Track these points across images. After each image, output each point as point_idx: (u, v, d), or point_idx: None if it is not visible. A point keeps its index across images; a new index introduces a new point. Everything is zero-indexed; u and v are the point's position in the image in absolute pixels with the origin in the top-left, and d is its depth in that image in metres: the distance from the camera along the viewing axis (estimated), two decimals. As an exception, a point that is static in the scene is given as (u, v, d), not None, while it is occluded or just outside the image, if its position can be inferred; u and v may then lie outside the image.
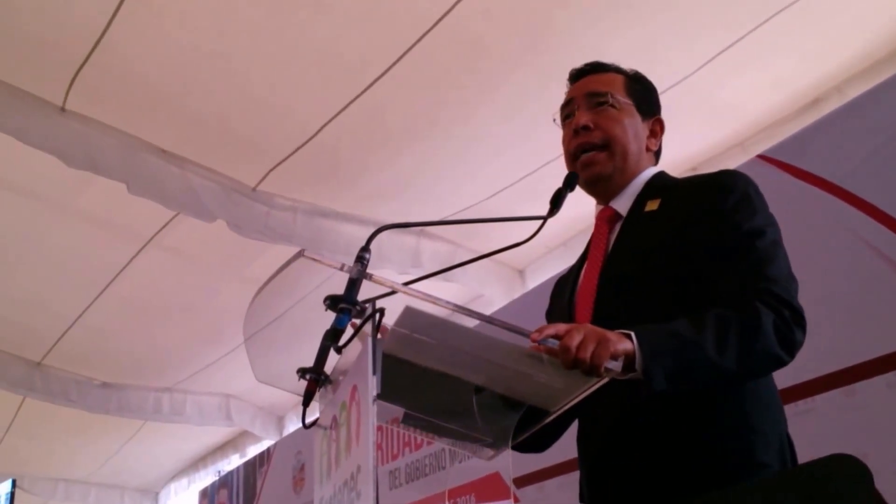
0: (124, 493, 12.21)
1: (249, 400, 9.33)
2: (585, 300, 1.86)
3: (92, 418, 8.77)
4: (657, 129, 2.04)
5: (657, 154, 2.06)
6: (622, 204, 1.93)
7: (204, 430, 9.74)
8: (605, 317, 1.74)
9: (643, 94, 2.03)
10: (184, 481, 11.86)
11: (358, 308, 1.47)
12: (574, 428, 1.94)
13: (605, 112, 1.96)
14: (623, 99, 1.98)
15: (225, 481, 8.96)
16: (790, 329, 1.60)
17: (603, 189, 1.97)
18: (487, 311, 5.81)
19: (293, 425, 9.19)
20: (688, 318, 1.59)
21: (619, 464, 1.74)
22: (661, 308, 1.68)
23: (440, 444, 1.88)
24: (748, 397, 1.68)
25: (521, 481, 4.29)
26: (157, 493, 12.54)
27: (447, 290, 6.19)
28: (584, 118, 1.95)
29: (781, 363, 1.62)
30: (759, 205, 1.77)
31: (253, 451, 9.83)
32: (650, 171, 1.99)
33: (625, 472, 1.73)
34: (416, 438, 5.14)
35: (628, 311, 1.72)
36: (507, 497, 4.24)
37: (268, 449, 8.10)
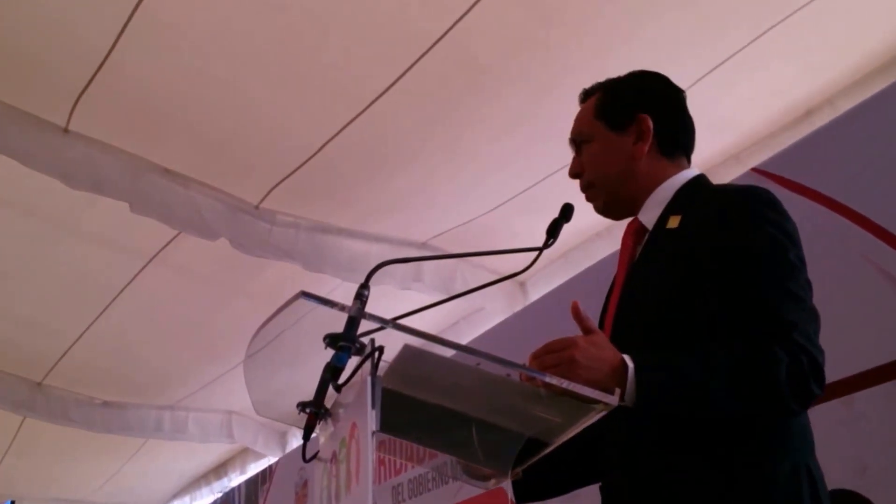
0: (126, 512, 12.15)
1: (251, 416, 9.29)
2: (608, 320, 1.88)
3: (92, 437, 8.72)
4: (643, 128, 1.91)
5: (670, 148, 1.94)
6: (648, 216, 1.89)
7: (206, 447, 9.68)
8: (620, 338, 1.76)
9: (611, 107, 1.95)
10: (186, 499, 11.81)
11: (357, 345, 1.48)
12: None
13: (585, 151, 1.98)
14: (593, 126, 1.96)
15: (227, 499, 8.93)
16: (805, 378, 1.55)
17: (617, 216, 1.99)
18: (489, 324, 5.84)
19: (296, 441, 9.13)
20: (695, 352, 1.57)
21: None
22: (673, 341, 1.66)
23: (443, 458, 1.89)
24: (759, 431, 1.61)
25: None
26: (159, 512, 12.48)
27: (448, 304, 6.18)
28: (572, 167, 2.00)
29: (788, 409, 1.57)
30: (774, 226, 1.68)
31: (255, 468, 9.78)
32: (683, 177, 1.91)
33: None
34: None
35: (642, 339, 1.72)
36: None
37: (270, 466, 8.07)
